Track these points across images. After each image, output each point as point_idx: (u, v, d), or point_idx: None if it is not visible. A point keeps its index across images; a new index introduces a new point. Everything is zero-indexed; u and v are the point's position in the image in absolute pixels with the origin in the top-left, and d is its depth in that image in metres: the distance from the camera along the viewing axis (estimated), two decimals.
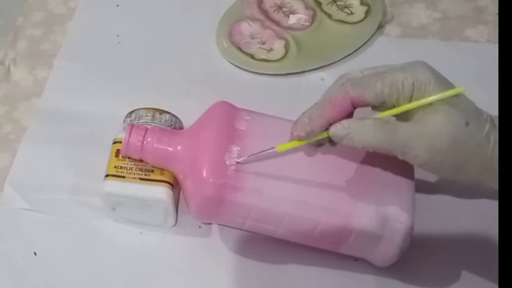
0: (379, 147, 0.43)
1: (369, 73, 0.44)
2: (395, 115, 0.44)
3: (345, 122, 0.43)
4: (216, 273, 0.51)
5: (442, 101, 0.42)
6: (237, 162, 0.46)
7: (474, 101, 0.44)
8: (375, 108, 0.45)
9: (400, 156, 0.43)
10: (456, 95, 0.42)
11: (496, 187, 0.43)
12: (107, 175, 0.50)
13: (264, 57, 0.64)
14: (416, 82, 0.42)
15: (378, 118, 0.43)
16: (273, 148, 0.46)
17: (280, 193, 0.46)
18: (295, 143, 0.45)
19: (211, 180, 0.46)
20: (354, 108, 0.44)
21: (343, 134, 0.42)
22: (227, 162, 0.46)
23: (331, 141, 0.44)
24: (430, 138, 0.42)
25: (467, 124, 0.42)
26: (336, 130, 0.43)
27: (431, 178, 0.55)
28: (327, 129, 0.43)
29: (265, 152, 0.46)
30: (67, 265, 0.51)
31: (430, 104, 0.42)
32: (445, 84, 0.43)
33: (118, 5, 0.70)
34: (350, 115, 0.44)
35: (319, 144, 0.45)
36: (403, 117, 0.44)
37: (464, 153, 0.42)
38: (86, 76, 0.64)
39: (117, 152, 0.51)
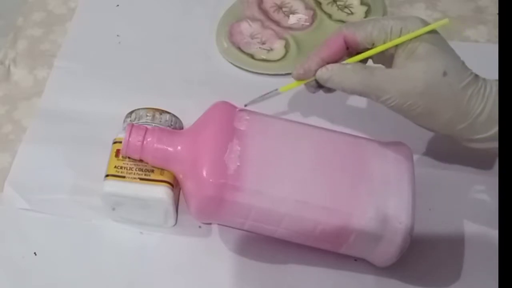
0: (356, 90, 0.46)
1: (367, 19, 0.48)
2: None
3: (329, 66, 0.47)
4: (216, 273, 0.51)
5: (424, 49, 0.44)
6: (245, 105, 0.49)
7: None
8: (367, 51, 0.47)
9: (375, 99, 0.46)
10: (430, 32, 0.45)
11: (469, 136, 0.45)
12: (107, 175, 0.50)
13: (264, 57, 0.64)
14: (404, 28, 0.45)
15: (358, 63, 0.47)
16: (277, 89, 0.49)
17: (280, 193, 0.46)
18: (296, 83, 0.49)
19: (211, 180, 0.46)
20: (348, 48, 0.47)
21: (326, 77, 0.47)
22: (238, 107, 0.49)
23: (321, 86, 0.48)
24: (404, 82, 0.44)
25: (444, 74, 0.44)
26: (321, 72, 0.47)
27: (431, 178, 0.55)
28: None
29: (269, 93, 0.50)
30: (67, 265, 0.51)
31: (412, 52, 0.45)
32: (434, 33, 0.46)
33: (118, 5, 0.70)
34: (346, 55, 0.48)
35: (318, 86, 0.49)
36: (387, 63, 0.47)
37: (437, 99, 0.44)
38: (86, 76, 0.64)
39: (117, 152, 0.51)
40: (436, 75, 0.44)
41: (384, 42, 0.46)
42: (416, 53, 0.45)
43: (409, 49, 0.45)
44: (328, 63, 0.47)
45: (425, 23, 0.46)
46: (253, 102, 0.50)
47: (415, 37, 0.45)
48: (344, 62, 0.47)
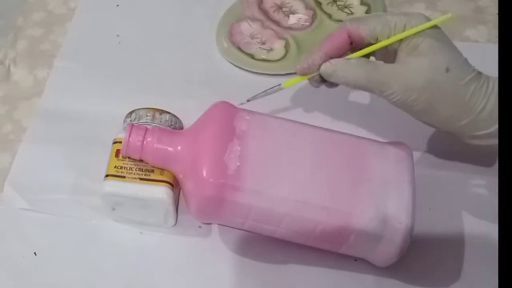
0: (360, 84, 0.46)
1: (371, 14, 0.48)
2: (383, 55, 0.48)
3: (333, 60, 0.47)
4: (216, 273, 0.51)
5: (428, 45, 0.45)
6: (247, 100, 0.49)
7: None
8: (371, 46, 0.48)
9: (378, 94, 0.46)
10: (433, 27, 0.46)
11: (471, 133, 0.46)
12: (107, 175, 0.50)
13: (264, 57, 0.64)
14: (408, 24, 0.46)
15: (362, 58, 0.47)
16: (280, 84, 0.49)
17: (280, 193, 0.46)
18: (299, 79, 0.49)
19: (211, 180, 0.46)
20: (351, 43, 0.48)
21: (330, 71, 0.47)
22: (236, 104, 0.49)
23: (324, 80, 0.49)
24: (407, 77, 0.45)
25: (447, 70, 0.44)
26: (325, 67, 0.47)
27: (431, 178, 0.55)
28: None
29: (272, 89, 0.50)
30: (67, 265, 0.51)
31: (415, 47, 0.45)
32: (437, 29, 0.46)
33: (118, 5, 0.70)
34: (349, 50, 0.48)
35: (321, 81, 0.49)
36: (391, 59, 0.47)
37: (439, 95, 0.45)
38: (86, 76, 0.64)
39: (117, 152, 0.51)
40: (439, 70, 0.44)
41: (388, 37, 0.46)
42: (419, 49, 0.45)
43: (413, 45, 0.45)
44: (332, 57, 0.48)
45: (429, 19, 0.46)
46: (256, 97, 0.50)
47: (419, 32, 0.45)
48: (348, 57, 0.47)
